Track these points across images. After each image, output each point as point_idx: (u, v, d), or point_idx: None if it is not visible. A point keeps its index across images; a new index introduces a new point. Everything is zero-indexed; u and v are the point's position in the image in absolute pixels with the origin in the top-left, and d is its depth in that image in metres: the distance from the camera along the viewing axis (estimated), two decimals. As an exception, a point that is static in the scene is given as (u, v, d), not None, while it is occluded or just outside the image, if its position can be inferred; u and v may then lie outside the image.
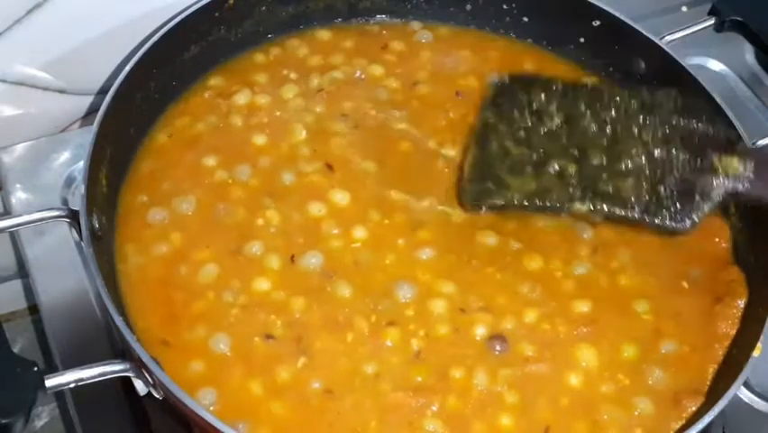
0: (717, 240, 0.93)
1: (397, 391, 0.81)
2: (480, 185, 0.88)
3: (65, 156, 1.06)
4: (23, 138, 1.07)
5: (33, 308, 1.25)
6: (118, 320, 0.77)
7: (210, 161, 0.94)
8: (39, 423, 1.19)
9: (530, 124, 0.90)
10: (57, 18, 1.02)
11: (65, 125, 1.13)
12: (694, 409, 0.82)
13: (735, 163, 0.85)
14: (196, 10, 0.99)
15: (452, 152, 0.97)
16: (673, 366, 0.85)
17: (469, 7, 1.10)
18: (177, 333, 0.83)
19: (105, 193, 0.89)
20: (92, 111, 1.12)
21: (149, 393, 0.79)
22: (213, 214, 0.90)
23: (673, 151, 0.87)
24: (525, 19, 1.09)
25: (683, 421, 0.82)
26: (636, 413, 0.82)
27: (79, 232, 0.82)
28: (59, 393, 0.86)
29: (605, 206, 0.85)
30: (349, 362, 0.83)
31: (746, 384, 0.95)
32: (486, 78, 1.04)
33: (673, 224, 0.85)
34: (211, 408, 0.79)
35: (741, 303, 0.88)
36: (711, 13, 1.07)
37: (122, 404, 0.89)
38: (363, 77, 1.03)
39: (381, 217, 0.91)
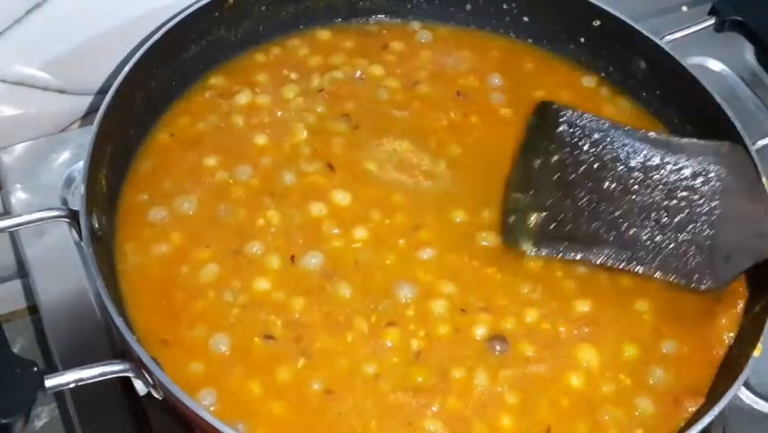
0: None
1: (397, 392, 0.81)
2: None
3: (65, 156, 1.06)
4: (23, 138, 1.07)
5: (33, 309, 1.25)
6: (118, 320, 0.77)
7: (211, 161, 0.94)
8: (38, 423, 1.19)
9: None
10: (56, 18, 1.02)
11: (65, 125, 1.12)
12: (695, 409, 0.82)
13: None
14: (196, 10, 0.99)
15: (453, 152, 0.97)
16: (674, 366, 0.85)
17: (469, 7, 1.10)
18: (177, 333, 0.83)
19: (105, 193, 0.88)
20: (92, 111, 1.12)
21: (149, 393, 0.79)
22: (213, 213, 0.90)
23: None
24: (526, 19, 1.09)
25: (684, 422, 0.82)
26: (637, 413, 0.82)
27: (79, 232, 0.82)
28: (58, 393, 0.86)
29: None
30: (349, 362, 0.83)
31: (747, 385, 0.95)
32: (486, 77, 1.04)
33: None
34: (211, 408, 0.79)
35: (741, 303, 0.88)
36: (711, 13, 1.07)
37: (121, 404, 0.88)
38: (364, 77, 1.03)
39: (382, 217, 0.91)
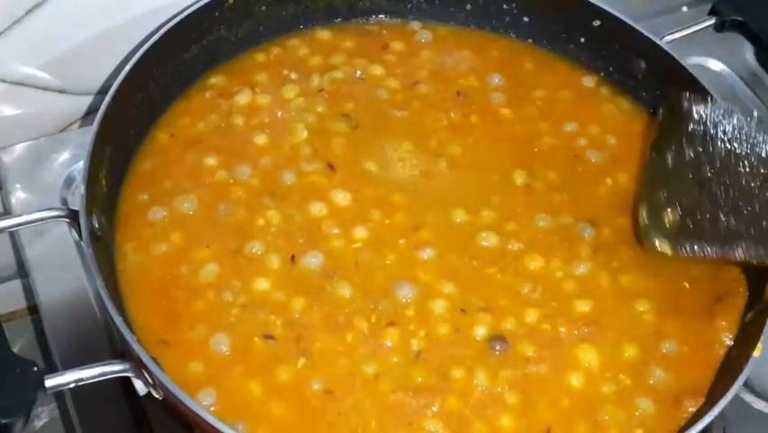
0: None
1: (397, 392, 0.81)
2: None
3: (65, 156, 1.06)
4: (23, 138, 1.07)
5: (33, 308, 1.25)
6: (118, 320, 0.77)
7: (211, 161, 0.94)
8: (38, 423, 1.19)
9: None
10: (56, 18, 1.02)
11: (65, 125, 1.13)
12: (695, 409, 0.82)
13: None
14: (196, 10, 0.99)
15: (453, 152, 0.97)
16: (674, 366, 0.85)
17: (469, 7, 1.10)
18: (177, 333, 0.83)
19: (105, 193, 0.88)
20: (92, 111, 1.12)
21: (149, 393, 0.79)
22: (213, 213, 0.90)
23: None
24: (526, 19, 1.09)
25: (684, 422, 0.82)
26: (637, 414, 0.82)
27: (79, 232, 0.82)
28: (58, 393, 0.86)
29: None
30: (349, 362, 0.82)
31: (747, 385, 0.95)
32: (486, 77, 1.04)
33: None
34: (211, 408, 0.79)
35: (741, 303, 0.88)
36: (711, 13, 1.07)
37: (121, 404, 0.89)
38: (364, 77, 1.03)
39: (382, 217, 0.91)
